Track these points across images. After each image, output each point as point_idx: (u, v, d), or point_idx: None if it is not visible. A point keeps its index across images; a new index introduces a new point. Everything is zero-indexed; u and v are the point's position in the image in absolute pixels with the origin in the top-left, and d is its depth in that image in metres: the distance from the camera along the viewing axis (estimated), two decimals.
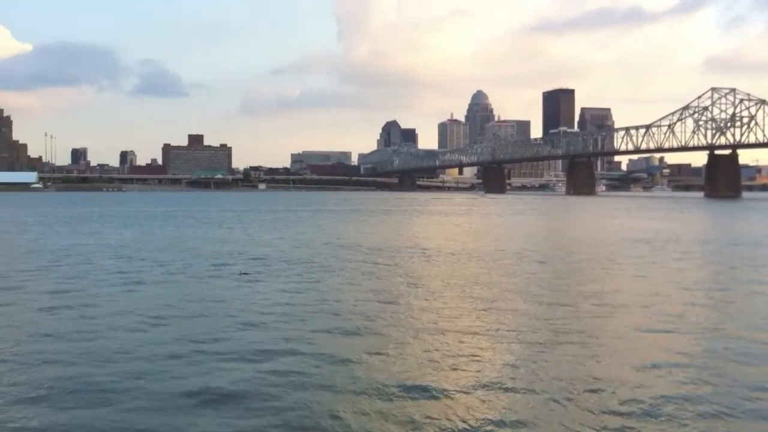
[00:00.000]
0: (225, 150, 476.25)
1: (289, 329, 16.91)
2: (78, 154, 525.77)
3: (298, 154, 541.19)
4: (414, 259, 33.69)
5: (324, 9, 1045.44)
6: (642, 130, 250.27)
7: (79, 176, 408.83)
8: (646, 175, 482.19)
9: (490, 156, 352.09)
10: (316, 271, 28.92)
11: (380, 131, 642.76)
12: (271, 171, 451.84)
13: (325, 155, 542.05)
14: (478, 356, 14.31)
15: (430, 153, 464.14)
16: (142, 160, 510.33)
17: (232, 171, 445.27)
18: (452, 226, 66.74)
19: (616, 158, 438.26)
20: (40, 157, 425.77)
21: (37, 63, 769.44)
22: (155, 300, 21.32)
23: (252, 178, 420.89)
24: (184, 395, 11.72)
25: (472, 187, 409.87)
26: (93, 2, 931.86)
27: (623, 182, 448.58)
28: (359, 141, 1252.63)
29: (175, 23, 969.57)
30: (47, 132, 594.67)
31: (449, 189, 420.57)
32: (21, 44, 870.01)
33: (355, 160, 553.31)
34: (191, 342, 15.51)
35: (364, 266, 30.71)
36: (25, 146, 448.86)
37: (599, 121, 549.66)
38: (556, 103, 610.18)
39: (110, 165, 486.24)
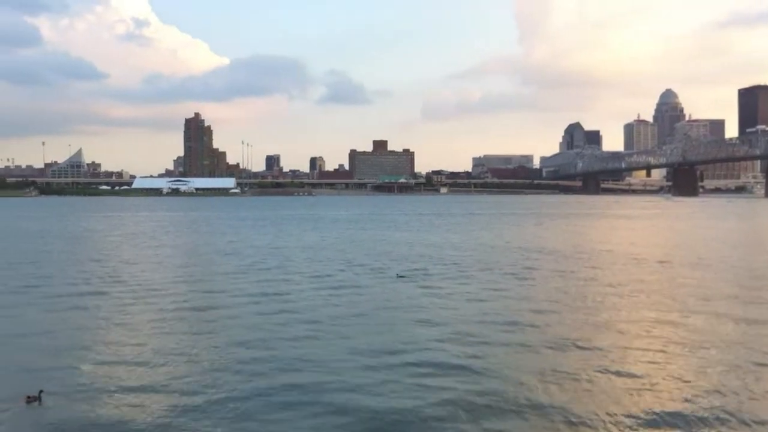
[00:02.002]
0: (408, 155, 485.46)
1: (471, 334, 18.00)
2: (272, 161, 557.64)
3: (479, 158, 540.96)
4: (595, 265, 33.73)
5: (504, 12, 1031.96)
6: None
7: (273, 181, 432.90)
8: None
9: (680, 157, 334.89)
10: (498, 275, 29.76)
11: (563, 133, 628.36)
12: (453, 175, 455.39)
13: (507, 158, 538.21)
14: (668, 371, 14.75)
15: (615, 155, 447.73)
16: (330, 165, 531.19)
17: (415, 175, 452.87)
18: (637, 231, 65.17)
19: None
20: (238, 164, 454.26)
21: (233, 75, 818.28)
22: (347, 301, 23.40)
23: (434, 182, 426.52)
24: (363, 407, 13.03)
25: (660, 190, 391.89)
26: (282, 17, 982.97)
27: None
28: (541, 144, 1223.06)
29: (356, 34, 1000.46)
30: (244, 140, 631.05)
31: (636, 192, 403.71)
32: (219, 58, 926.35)
33: (536, 163, 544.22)
34: (369, 350, 16.33)
35: (545, 271, 31.28)
36: (224, 154, 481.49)
37: None
38: (754, 100, 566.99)
39: (301, 170, 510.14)
